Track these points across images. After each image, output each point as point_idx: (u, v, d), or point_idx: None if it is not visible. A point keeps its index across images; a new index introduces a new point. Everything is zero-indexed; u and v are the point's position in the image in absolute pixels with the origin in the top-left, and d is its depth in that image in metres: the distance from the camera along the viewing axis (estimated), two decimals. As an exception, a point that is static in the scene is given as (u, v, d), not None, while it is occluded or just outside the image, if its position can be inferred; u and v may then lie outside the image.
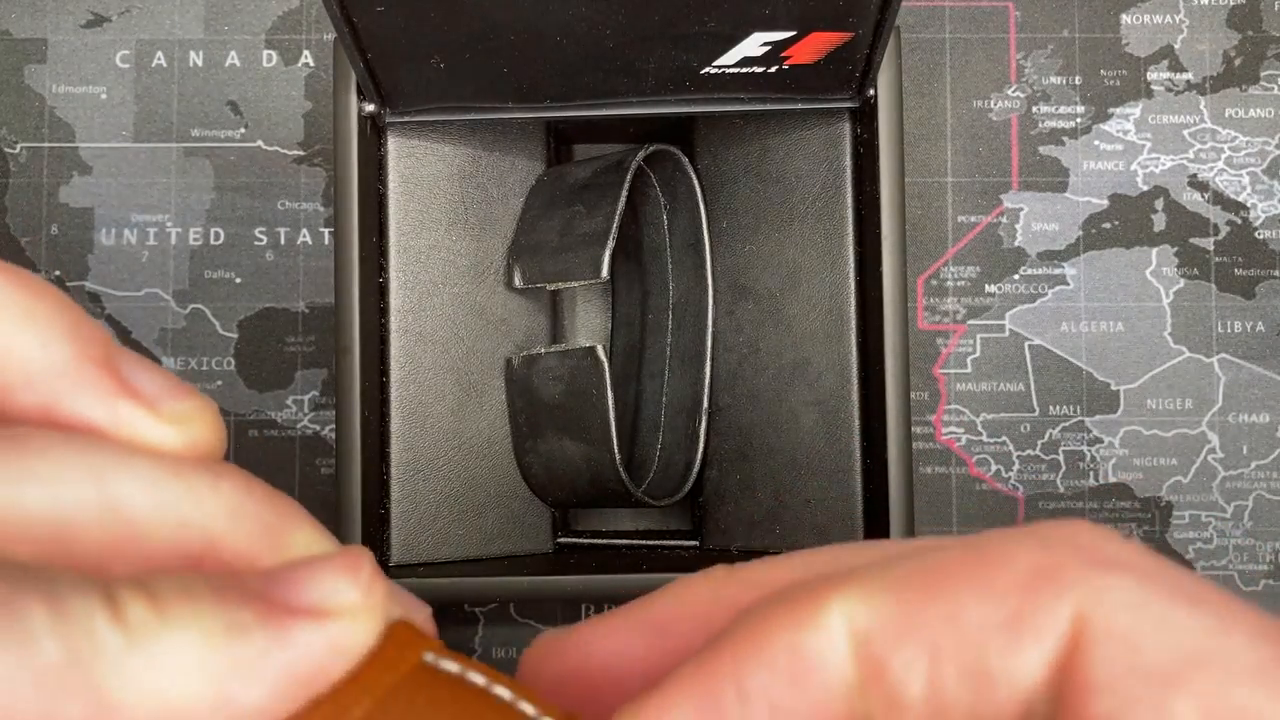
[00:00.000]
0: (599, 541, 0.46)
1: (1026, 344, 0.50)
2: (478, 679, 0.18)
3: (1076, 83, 0.51)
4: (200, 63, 0.51)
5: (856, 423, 0.42)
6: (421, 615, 0.18)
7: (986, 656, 0.16)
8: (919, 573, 0.17)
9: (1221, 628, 0.16)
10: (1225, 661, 0.16)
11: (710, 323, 0.45)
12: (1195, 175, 0.50)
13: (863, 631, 0.17)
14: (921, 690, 0.17)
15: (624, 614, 0.20)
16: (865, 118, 0.42)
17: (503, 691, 0.18)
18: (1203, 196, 0.50)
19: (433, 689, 0.17)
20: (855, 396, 0.42)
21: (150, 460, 0.17)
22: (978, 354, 0.50)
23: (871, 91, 0.41)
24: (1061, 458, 0.49)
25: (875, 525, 0.41)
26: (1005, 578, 0.17)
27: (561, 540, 0.46)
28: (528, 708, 0.18)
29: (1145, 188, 0.50)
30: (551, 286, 0.44)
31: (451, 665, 0.18)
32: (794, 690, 0.17)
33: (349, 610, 0.16)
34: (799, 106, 0.41)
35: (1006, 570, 0.17)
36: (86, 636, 0.14)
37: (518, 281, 0.44)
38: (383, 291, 0.42)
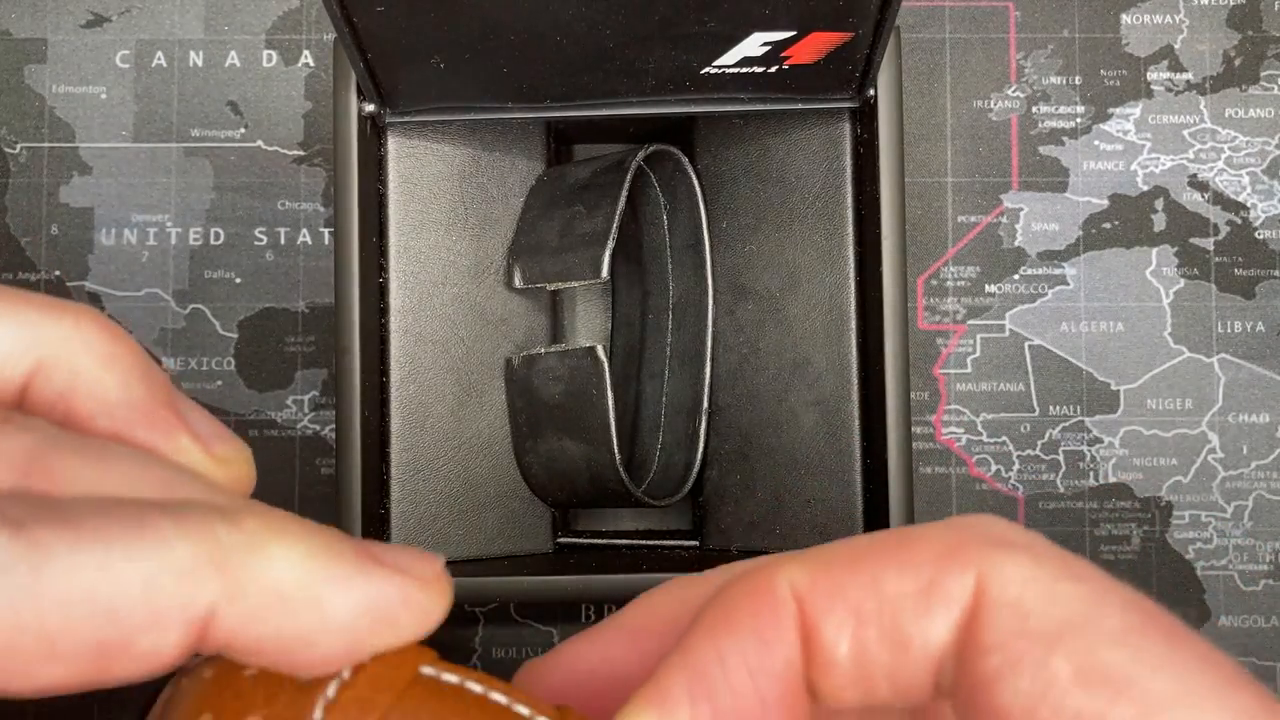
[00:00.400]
0: (599, 541, 0.46)
1: (1026, 344, 0.50)
2: (475, 687, 0.19)
3: (1076, 83, 0.51)
4: (200, 63, 0.51)
5: (856, 423, 0.42)
6: (434, 569, 0.20)
7: (903, 621, 0.19)
8: (848, 550, 0.20)
9: (1097, 599, 0.19)
10: (1097, 626, 0.18)
11: (710, 323, 0.45)
12: (1195, 175, 0.50)
13: (801, 597, 0.20)
14: (848, 651, 0.19)
15: (598, 630, 0.22)
16: (865, 118, 0.42)
17: (499, 697, 0.19)
18: (1203, 196, 0.50)
19: (435, 700, 0.19)
20: (855, 396, 0.42)
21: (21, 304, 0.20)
22: (978, 354, 0.50)
23: (871, 91, 0.41)
24: (1061, 458, 0.49)
25: (875, 525, 0.41)
26: (919, 554, 0.19)
27: (561, 540, 0.46)
28: (523, 709, 0.19)
29: (1145, 188, 0.50)
30: (551, 286, 0.44)
31: (451, 677, 0.19)
32: (764, 650, 0.19)
33: (423, 576, 0.19)
34: (799, 106, 0.41)
35: (921, 548, 0.20)
36: (209, 539, 0.17)
37: (518, 281, 0.44)
38: (383, 291, 0.42)
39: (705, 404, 0.45)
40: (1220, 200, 0.50)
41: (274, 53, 0.51)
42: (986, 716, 0.18)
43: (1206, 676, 0.18)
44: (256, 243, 0.50)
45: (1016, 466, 0.49)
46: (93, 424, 0.20)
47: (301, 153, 0.50)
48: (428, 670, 0.19)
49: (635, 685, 0.20)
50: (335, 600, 0.18)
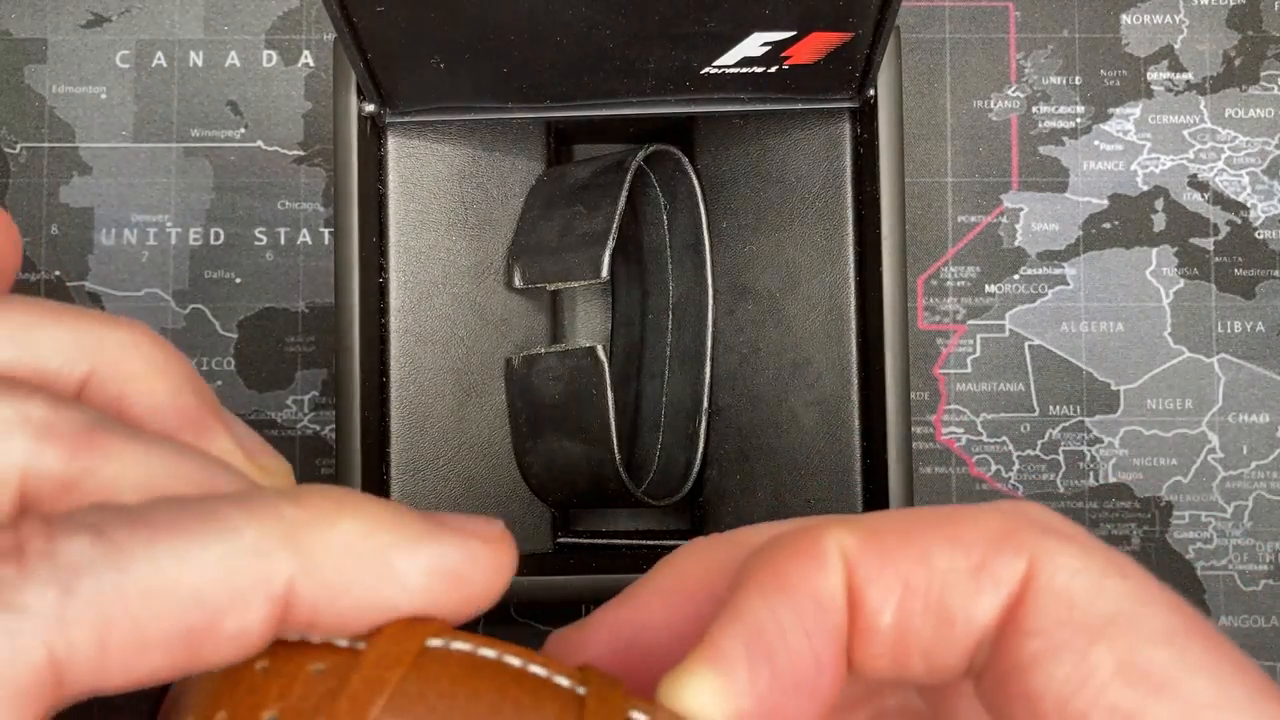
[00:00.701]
0: (599, 541, 0.46)
1: (1026, 344, 0.50)
2: (488, 653, 0.19)
3: (1076, 83, 0.51)
4: (200, 63, 0.51)
5: (856, 423, 0.42)
6: (496, 529, 0.20)
7: (950, 597, 0.19)
8: (898, 520, 0.20)
9: (1142, 597, 0.19)
10: (1142, 624, 0.19)
11: (710, 323, 0.45)
12: (1195, 175, 0.50)
13: (850, 562, 0.20)
14: (890, 620, 0.19)
15: (629, 595, 0.22)
16: (865, 118, 0.42)
17: (513, 660, 0.19)
18: (1203, 196, 0.50)
19: (447, 670, 0.18)
20: (855, 396, 0.42)
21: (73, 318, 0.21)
22: (978, 354, 0.50)
23: (871, 91, 0.41)
24: (1061, 458, 0.49)
25: (875, 525, 0.41)
26: (971, 534, 0.20)
27: (561, 540, 0.46)
28: (539, 670, 0.19)
29: (1145, 188, 0.50)
30: (551, 286, 0.44)
31: (462, 645, 0.19)
32: (820, 612, 0.19)
33: (485, 535, 0.20)
34: (799, 106, 0.41)
35: (973, 528, 0.20)
36: (277, 518, 0.18)
37: (518, 281, 0.44)
38: (383, 291, 0.42)
39: (705, 404, 0.45)
40: (1220, 200, 0.50)
41: (274, 53, 0.51)
42: (1018, 700, 0.19)
43: (1243, 684, 0.18)
44: (256, 243, 0.50)
45: (1016, 466, 0.49)
46: (143, 427, 0.21)
47: (301, 153, 0.50)
48: (435, 642, 0.19)
49: (674, 649, 0.20)
50: (406, 563, 0.19)
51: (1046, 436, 0.50)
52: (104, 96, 0.50)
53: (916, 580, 0.19)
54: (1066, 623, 0.19)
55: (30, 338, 0.20)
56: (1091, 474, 0.49)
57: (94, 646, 0.17)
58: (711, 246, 0.45)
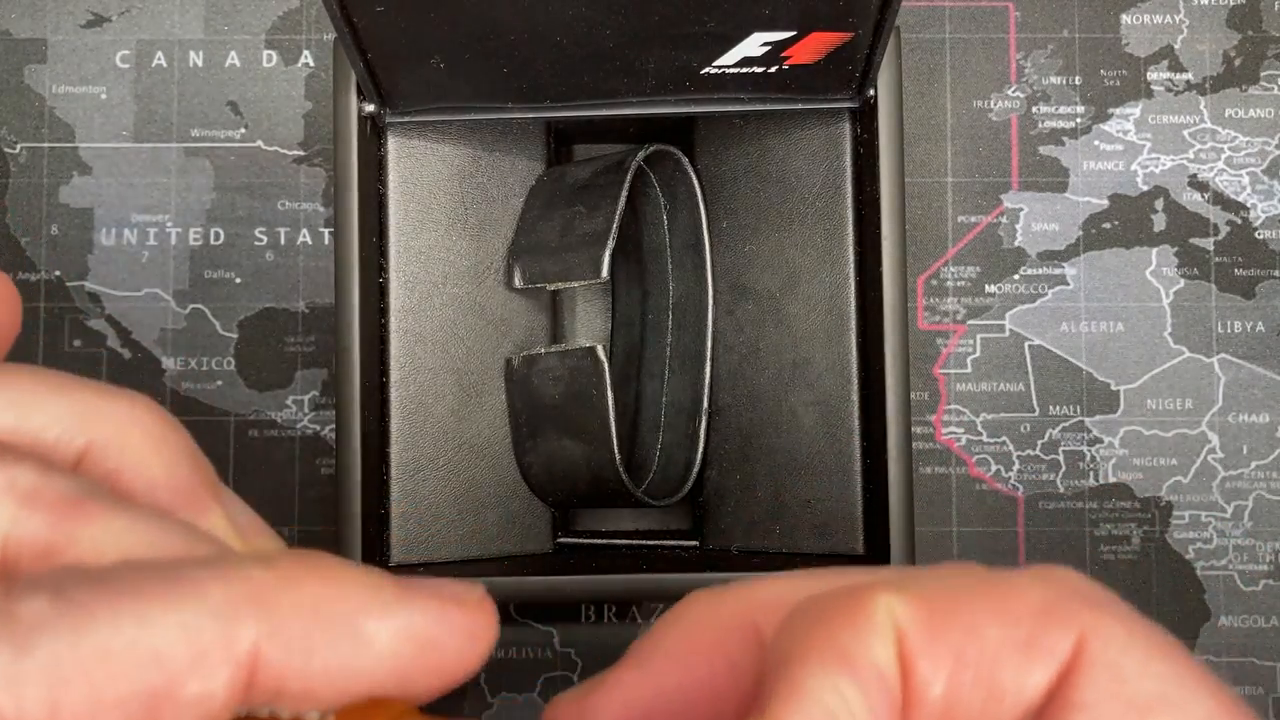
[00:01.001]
0: (599, 541, 0.46)
1: (1026, 344, 0.50)
2: None
3: (1076, 83, 0.51)
4: (200, 63, 0.51)
5: (856, 423, 0.42)
6: (475, 594, 0.20)
7: (1001, 670, 0.19)
8: (944, 589, 0.20)
9: (1188, 679, 0.20)
10: (1187, 705, 0.19)
11: (710, 323, 0.45)
12: (1195, 175, 0.50)
13: (900, 631, 0.19)
14: (941, 691, 0.19)
15: (636, 659, 0.21)
16: (865, 118, 0.42)
17: None
18: (1203, 196, 0.50)
19: None
20: (855, 396, 0.42)
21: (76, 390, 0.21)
22: (978, 354, 0.50)
23: (871, 91, 0.41)
24: (1061, 458, 0.49)
25: (875, 525, 0.41)
26: (1019, 605, 0.20)
27: (561, 540, 0.46)
28: None
29: (1145, 188, 0.50)
30: (551, 287, 0.44)
31: None
32: (883, 686, 0.19)
33: (462, 599, 0.19)
34: (799, 106, 0.41)
35: (1020, 600, 0.20)
36: (244, 580, 0.18)
37: (518, 282, 0.44)
38: (383, 291, 0.42)
39: (705, 404, 0.45)
40: (1220, 200, 0.50)
41: (274, 53, 0.51)
42: None
43: None
44: (256, 243, 0.50)
45: (1016, 466, 0.49)
46: (135, 500, 0.21)
47: (301, 153, 0.50)
48: None
49: (699, 716, 0.20)
50: (374, 627, 0.18)
51: (1046, 436, 0.50)
52: (104, 96, 0.50)
53: (968, 652, 0.19)
54: (1117, 696, 0.19)
55: (29, 408, 0.20)
56: (1091, 474, 0.49)
57: (45, 707, 0.16)
58: (711, 246, 0.45)
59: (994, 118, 0.51)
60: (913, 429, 0.45)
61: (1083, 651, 0.19)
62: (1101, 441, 0.50)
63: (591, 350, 0.42)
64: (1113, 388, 0.50)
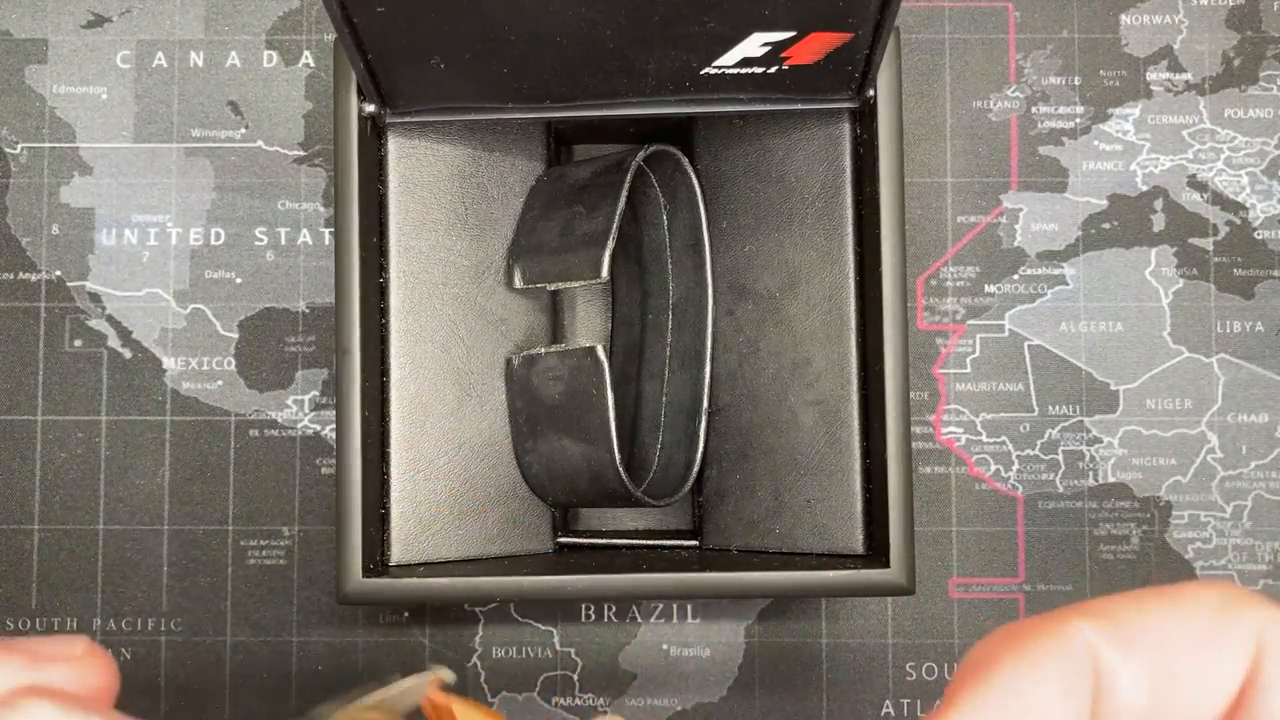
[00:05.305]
0: (599, 541, 0.46)
1: (1026, 344, 0.50)
2: None
3: (1076, 83, 0.51)
4: (200, 63, 0.51)
5: (856, 423, 0.42)
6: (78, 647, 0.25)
7: (1195, 668, 0.21)
8: (1124, 607, 0.22)
9: None
10: None
11: (710, 323, 0.45)
12: (1194, 175, 0.50)
13: (1094, 646, 0.21)
14: (1144, 701, 0.21)
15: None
16: (865, 118, 0.42)
17: None
18: (1202, 197, 0.50)
19: None
20: (855, 396, 0.42)
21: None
22: (977, 354, 0.50)
23: (871, 92, 0.41)
24: (1061, 457, 0.49)
25: (875, 525, 0.41)
26: (1196, 607, 0.21)
27: (561, 540, 0.46)
28: None
29: (1144, 188, 0.50)
30: (551, 287, 0.44)
31: None
32: (1068, 690, 0.21)
33: (65, 657, 0.24)
34: (799, 106, 0.41)
35: (1195, 602, 0.22)
36: None
37: (518, 282, 0.44)
38: (383, 291, 0.42)
39: (705, 404, 0.45)
40: (1219, 200, 0.50)
41: (274, 53, 0.51)
42: None
43: None
44: (257, 243, 0.50)
45: (1016, 466, 0.49)
46: None
47: (302, 153, 0.50)
48: None
49: None
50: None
51: (1046, 436, 0.50)
52: (104, 96, 0.50)
53: (1159, 656, 0.21)
54: None
55: None
56: (1091, 474, 0.49)
57: None
58: (711, 246, 0.45)
59: (993, 118, 0.51)
60: (912, 429, 0.45)
61: (1263, 639, 0.21)
62: (1101, 441, 0.50)
63: (591, 350, 0.42)
64: (1112, 388, 0.50)
